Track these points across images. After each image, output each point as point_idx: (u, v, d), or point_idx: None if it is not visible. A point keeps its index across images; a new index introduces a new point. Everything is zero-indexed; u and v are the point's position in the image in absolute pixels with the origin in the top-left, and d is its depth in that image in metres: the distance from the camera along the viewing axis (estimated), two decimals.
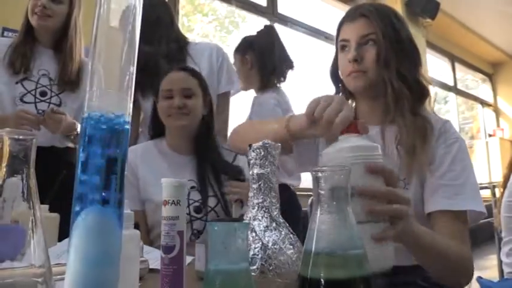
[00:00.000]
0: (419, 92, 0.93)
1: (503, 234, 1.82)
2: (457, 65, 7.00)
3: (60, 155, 1.56)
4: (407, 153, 0.88)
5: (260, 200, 0.54)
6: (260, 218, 0.53)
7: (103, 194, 0.31)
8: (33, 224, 0.43)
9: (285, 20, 4.14)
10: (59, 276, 0.48)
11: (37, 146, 1.55)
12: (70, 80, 1.56)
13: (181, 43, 1.71)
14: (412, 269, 0.88)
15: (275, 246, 0.51)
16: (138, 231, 0.52)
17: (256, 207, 0.54)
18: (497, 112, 7.81)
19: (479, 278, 0.47)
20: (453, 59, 6.85)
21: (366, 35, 0.92)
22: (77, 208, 0.31)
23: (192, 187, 1.22)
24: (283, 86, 1.95)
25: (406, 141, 0.89)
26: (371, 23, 0.92)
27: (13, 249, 0.44)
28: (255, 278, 0.50)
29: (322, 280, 0.35)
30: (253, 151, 0.55)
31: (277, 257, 0.50)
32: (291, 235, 0.54)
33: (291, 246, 0.51)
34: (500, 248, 1.85)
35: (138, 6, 0.38)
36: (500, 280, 0.53)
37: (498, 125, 7.72)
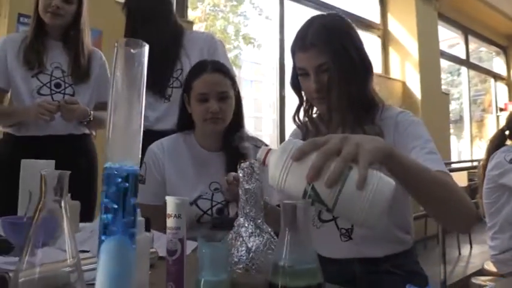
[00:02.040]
0: (368, 106, 1.03)
1: (486, 220, 1.93)
2: (470, 38, 6.89)
3: (78, 141, 1.70)
4: None
5: (247, 210, 0.66)
6: (246, 225, 0.65)
7: (120, 227, 0.43)
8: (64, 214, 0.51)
9: None
10: (85, 267, 0.60)
11: (55, 134, 1.73)
12: (82, 72, 1.69)
13: (177, 34, 1.79)
14: (383, 259, 1.01)
15: (258, 250, 0.63)
16: (147, 235, 0.65)
17: (243, 216, 0.66)
18: (510, 86, 7.72)
19: (409, 286, 0.54)
20: (466, 31, 6.74)
21: (321, 65, 0.99)
22: (102, 237, 0.43)
23: (216, 189, 1.29)
24: None
25: None
26: (323, 53, 0.98)
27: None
28: (240, 275, 0.63)
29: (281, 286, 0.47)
30: (242, 170, 0.66)
31: (259, 258, 0.62)
32: (272, 239, 0.66)
33: (271, 251, 0.63)
34: None
35: (145, 65, 0.48)
36: None
37: (510, 99, 7.66)
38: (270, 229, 0.67)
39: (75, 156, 1.62)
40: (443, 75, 9.94)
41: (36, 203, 0.51)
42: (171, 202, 0.61)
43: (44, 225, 0.51)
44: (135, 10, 1.80)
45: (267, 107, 9.65)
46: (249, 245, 0.63)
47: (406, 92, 5.24)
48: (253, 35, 5.84)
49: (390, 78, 5.23)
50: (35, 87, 1.64)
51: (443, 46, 6.52)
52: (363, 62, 1.03)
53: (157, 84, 1.73)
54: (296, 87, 1.10)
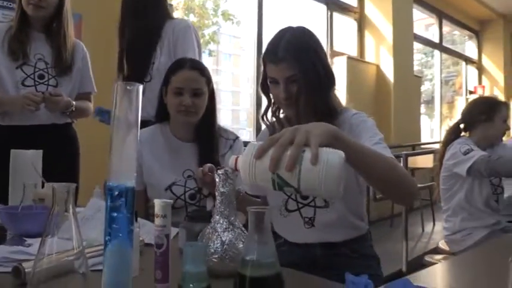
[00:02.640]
0: (330, 112, 1.15)
1: (442, 204, 2.13)
2: (445, 22, 7.08)
3: (61, 130, 1.77)
4: None
5: (222, 209, 0.79)
6: (221, 222, 0.78)
7: (121, 232, 0.55)
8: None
9: None
10: (89, 254, 0.71)
11: (39, 124, 1.83)
12: (64, 64, 1.74)
13: (161, 21, 1.86)
14: (341, 244, 1.16)
15: (231, 242, 0.76)
16: (137, 230, 0.77)
17: (219, 214, 0.79)
18: (480, 69, 8.00)
19: (347, 274, 0.67)
20: (441, 15, 6.91)
21: (290, 76, 1.10)
22: (107, 238, 0.55)
23: (189, 176, 1.42)
24: None
25: None
26: (292, 66, 1.09)
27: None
28: (216, 263, 0.76)
29: (248, 276, 0.60)
30: (217, 176, 0.79)
31: (231, 250, 0.76)
32: (243, 233, 0.79)
33: (241, 242, 0.76)
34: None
35: (139, 99, 0.59)
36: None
37: (480, 83, 7.96)
38: (241, 225, 0.80)
39: (59, 144, 1.70)
40: (417, 56, 10.14)
41: (50, 210, 0.62)
42: (158, 204, 0.73)
43: (55, 221, 0.62)
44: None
45: (245, 81, 9.70)
46: (223, 239, 0.76)
47: (379, 75, 5.40)
48: (232, 12, 5.84)
49: (365, 62, 5.39)
50: (19, 79, 1.70)
51: (419, 26, 6.67)
52: (327, 75, 1.15)
53: (133, 79, 1.80)
54: (265, 90, 1.21)
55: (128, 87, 0.57)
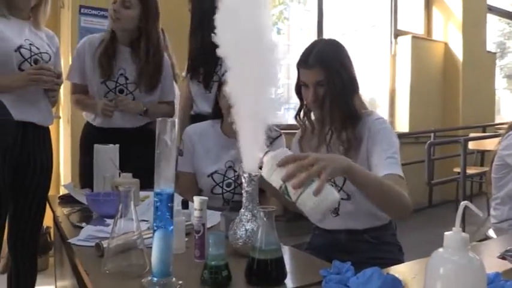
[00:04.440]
0: (353, 115, 1.30)
1: (492, 192, 2.15)
2: None
3: (138, 131, 1.99)
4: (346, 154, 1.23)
5: (247, 205, 0.99)
6: (246, 214, 0.99)
7: (163, 222, 0.78)
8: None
9: None
10: (145, 236, 0.97)
11: (122, 127, 2.11)
12: (144, 80, 1.91)
13: None
14: (362, 231, 1.32)
15: (252, 231, 0.97)
16: (182, 218, 1.01)
17: (244, 208, 0.99)
18: None
19: (322, 270, 0.82)
20: None
21: (318, 81, 1.28)
22: (155, 226, 0.78)
23: (229, 167, 1.68)
24: None
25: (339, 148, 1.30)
26: (322, 72, 1.26)
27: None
28: (240, 246, 0.97)
29: (256, 258, 0.81)
30: (243, 178, 0.99)
31: (252, 236, 0.96)
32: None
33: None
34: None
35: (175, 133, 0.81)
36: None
37: None
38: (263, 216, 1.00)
39: (137, 143, 1.89)
40: (499, 27, 9.31)
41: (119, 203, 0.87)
42: (196, 200, 0.96)
43: (123, 206, 0.87)
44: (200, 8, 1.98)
45: None
46: (247, 227, 0.97)
47: (448, 53, 5.20)
48: None
49: (432, 40, 5.20)
50: (102, 92, 1.92)
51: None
52: (351, 82, 1.31)
53: (206, 79, 2.03)
54: (298, 93, 1.38)
55: (169, 120, 0.79)
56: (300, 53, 1.34)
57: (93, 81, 1.95)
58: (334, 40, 1.36)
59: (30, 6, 1.75)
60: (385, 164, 1.17)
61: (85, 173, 1.90)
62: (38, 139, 1.80)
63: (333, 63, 1.28)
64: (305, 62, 1.30)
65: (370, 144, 1.26)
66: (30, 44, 1.74)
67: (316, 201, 0.86)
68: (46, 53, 1.79)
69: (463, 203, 0.60)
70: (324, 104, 1.29)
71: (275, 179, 0.92)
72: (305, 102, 1.38)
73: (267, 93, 0.92)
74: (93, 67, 1.92)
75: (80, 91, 2.01)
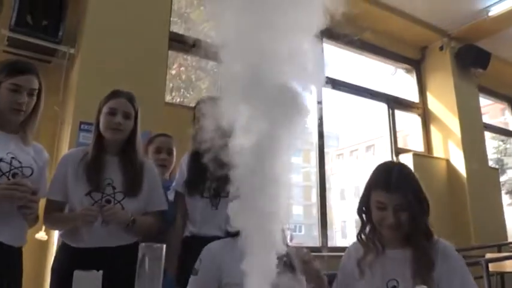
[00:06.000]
0: (425, 232, 1.38)
1: None
2: None
3: (125, 251, 1.73)
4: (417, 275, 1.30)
5: None
6: None
7: None
8: None
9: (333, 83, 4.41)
10: None
11: (105, 246, 1.79)
12: (133, 187, 1.81)
13: None
14: None
15: None
16: None
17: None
18: None
19: None
20: (510, 101, 6.63)
21: (399, 204, 1.34)
22: None
23: None
24: None
25: (413, 266, 1.33)
26: (403, 196, 1.33)
27: None
28: None
29: None
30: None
31: None
32: None
33: None
34: None
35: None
36: None
37: None
38: None
39: (122, 265, 1.60)
40: (494, 144, 9.51)
41: None
42: None
43: None
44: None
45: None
46: None
47: (450, 170, 5.15)
48: None
49: (433, 157, 5.20)
50: (87, 205, 1.75)
51: (494, 111, 6.35)
52: (425, 202, 1.39)
53: (210, 192, 1.92)
54: (362, 211, 1.43)
55: (155, 246, 0.61)
56: (373, 174, 1.43)
57: (75, 195, 1.79)
58: (404, 164, 1.53)
59: (19, 121, 1.74)
60: None
61: None
62: (7, 261, 1.59)
63: (413, 187, 1.37)
64: (387, 184, 1.36)
65: (447, 271, 1.30)
66: (12, 158, 1.68)
67: None
68: (29, 167, 1.71)
69: None
70: (402, 226, 1.34)
71: None
72: (370, 223, 1.42)
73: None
74: (76, 180, 1.80)
75: (55, 209, 1.84)
